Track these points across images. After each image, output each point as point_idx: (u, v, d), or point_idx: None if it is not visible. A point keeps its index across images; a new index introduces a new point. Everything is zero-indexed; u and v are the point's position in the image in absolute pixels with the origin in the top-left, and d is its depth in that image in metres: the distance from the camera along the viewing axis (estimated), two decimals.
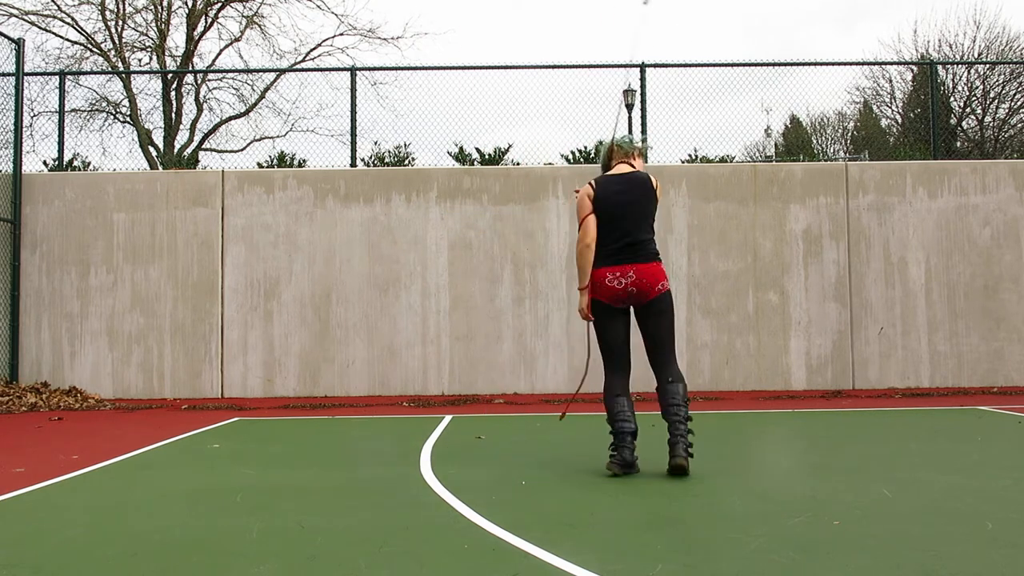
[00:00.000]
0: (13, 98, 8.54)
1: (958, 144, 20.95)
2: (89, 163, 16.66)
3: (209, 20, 19.45)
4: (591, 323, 4.20)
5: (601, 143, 4.36)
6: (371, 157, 15.48)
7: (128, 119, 18.03)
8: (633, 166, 4.26)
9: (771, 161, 17.24)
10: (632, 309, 4.15)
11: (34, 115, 14.40)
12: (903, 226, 8.48)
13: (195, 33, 19.18)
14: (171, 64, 18.93)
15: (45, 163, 14.95)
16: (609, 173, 4.20)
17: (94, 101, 17.68)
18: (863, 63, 20.54)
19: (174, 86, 18.64)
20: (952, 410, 6.82)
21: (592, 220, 4.06)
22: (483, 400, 7.81)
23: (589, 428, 6.06)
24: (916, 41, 23.66)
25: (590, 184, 4.15)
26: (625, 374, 4.19)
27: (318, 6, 19.17)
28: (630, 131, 11.01)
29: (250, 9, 19.34)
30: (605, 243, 4.05)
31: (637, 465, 4.07)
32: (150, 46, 18.98)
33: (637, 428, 4.10)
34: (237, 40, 19.48)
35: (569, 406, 5.42)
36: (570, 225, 8.40)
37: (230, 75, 18.62)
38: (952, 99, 21.36)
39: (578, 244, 4.10)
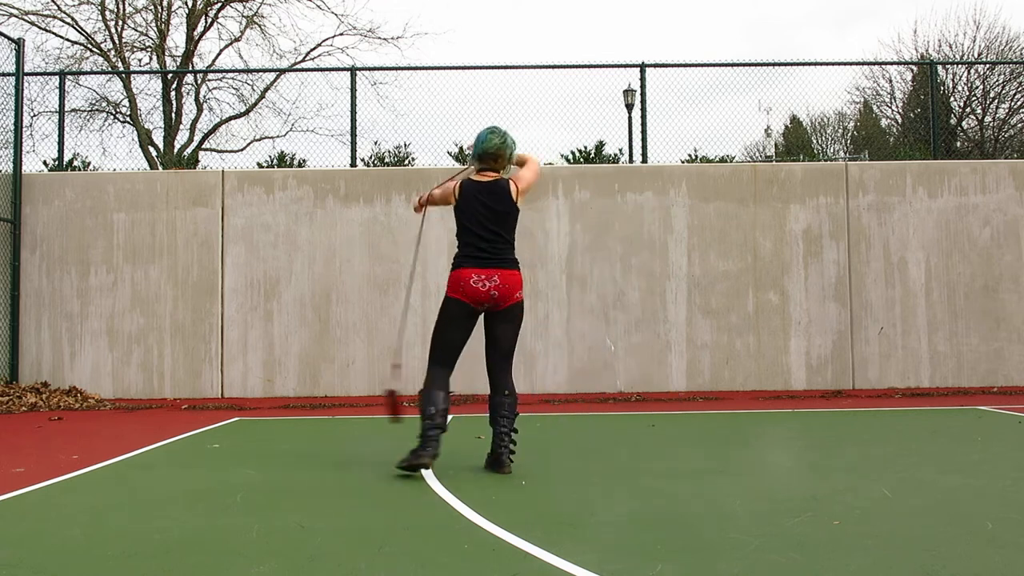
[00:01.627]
0: (13, 98, 8.53)
1: (958, 144, 20.95)
2: (89, 163, 16.68)
3: (209, 20, 19.46)
4: (438, 322, 4.26)
5: (496, 135, 4.31)
6: (371, 157, 15.50)
7: (128, 119, 18.03)
8: (497, 172, 4.34)
9: (771, 161, 17.24)
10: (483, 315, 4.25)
11: (34, 115, 14.39)
12: (903, 226, 8.48)
13: (195, 33, 19.18)
14: (171, 64, 18.93)
15: (45, 163, 14.96)
16: (474, 180, 4.28)
17: (94, 101, 17.70)
18: (863, 63, 20.57)
19: (174, 86, 18.65)
20: (952, 410, 6.83)
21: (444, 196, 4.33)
22: (483, 400, 7.78)
23: (589, 428, 6.07)
24: (916, 41, 23.68)
25: (457, 185, 4.28)
26: (449, 371, 4.28)
27: (318, 6, 19.19)
28: (630, 131, 10.99)
29: (250, 9, 19.36)
30: (469, 243, 4.18)
31: (431, 464, 4.09)
32: (150, 46, 18.98)
33: (445, 428, 4.16)
34: (237, 40, 19.49)
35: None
36: (570, 225, 8.41)
37: (230, 75, 18.63)
38: (952, 99, 21.36)
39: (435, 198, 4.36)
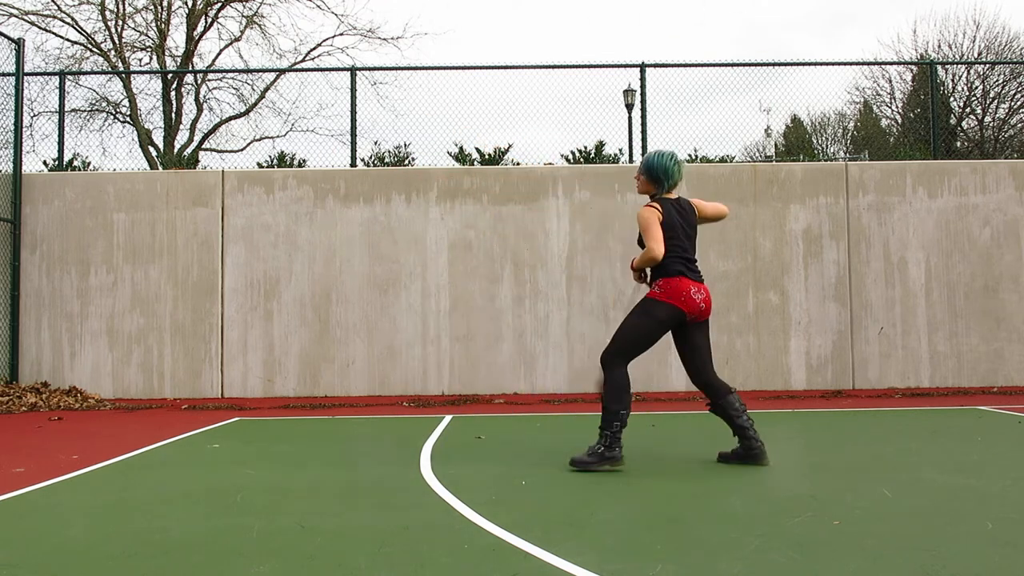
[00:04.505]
0: (13, 98, 8.53)
1: (958, 144, 20.94)
2: (89, 163, 16.64)
3: (209, 20, 19.47)
4: (643, 323, 4.24)
5: (671, 160, 4.36)
6: (371, 157, 15.48)
7: (128, 119, 18.03)
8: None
9: (771, 161, 17.24)
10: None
11: (34, 115, 14.42)
12: (903, 226, 8.48)
13: (195, 33, 19.19)
14: (171, 64, 18.93)
15: (45, 163, 14.94)
16: (665, 198, 4.32)
17: (94, 101, 17.70)
18: (863, 63, 20.59)
19: (174, 86, 18.65)
20: (952, 410, 6.82)
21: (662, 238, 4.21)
22: (483, 400, 7.80)
23: (589, 429, 6.05)
24: (916, 41, 23.69)
25: (656, 207, 4.26)
26: None
27: (318, 6, 19.20)
28: (630, 131, 10.99)
29: (250, 9, 19.36)
30: (676, 255, 4.22)
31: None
32: (150, 46, 18.99)
33: None
34: (237, 40, 19.50)
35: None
36: (570, 225, 8.40)
37: (230, 75, 18.63)
38: (952, 99, 21.36)
39: (651, 255, 4.19)
